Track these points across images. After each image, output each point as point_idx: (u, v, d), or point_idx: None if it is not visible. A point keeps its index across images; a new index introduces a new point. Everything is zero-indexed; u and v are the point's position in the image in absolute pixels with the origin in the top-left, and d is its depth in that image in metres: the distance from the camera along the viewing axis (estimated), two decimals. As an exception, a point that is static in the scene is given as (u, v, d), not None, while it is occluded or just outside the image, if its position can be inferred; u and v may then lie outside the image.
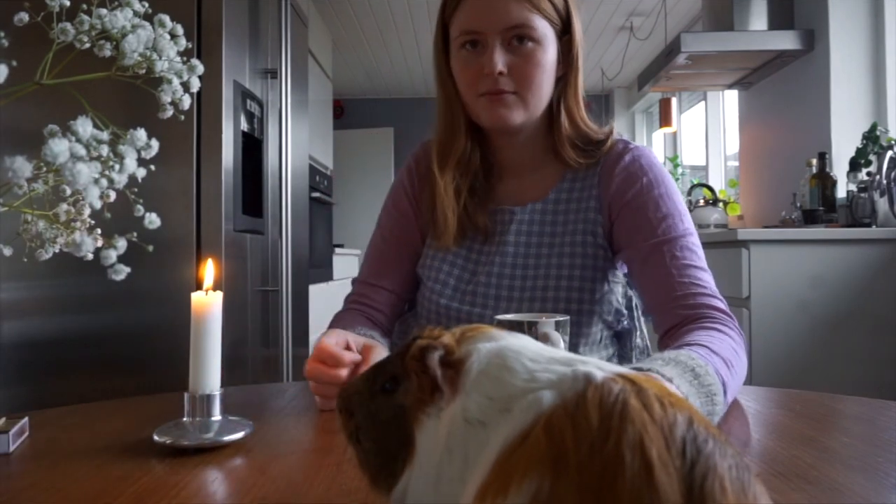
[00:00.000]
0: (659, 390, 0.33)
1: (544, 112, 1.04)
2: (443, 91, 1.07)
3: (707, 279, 0.94)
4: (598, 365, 0.36)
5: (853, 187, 2.57)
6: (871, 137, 2.56)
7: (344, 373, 0.77)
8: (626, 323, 1.08)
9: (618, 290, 1.07)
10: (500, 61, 0.96)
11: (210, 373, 0.66)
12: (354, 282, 1.15)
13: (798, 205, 2.82)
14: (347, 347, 0.83)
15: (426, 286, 1.08)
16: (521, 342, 0.41)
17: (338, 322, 1.06)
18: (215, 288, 0.67)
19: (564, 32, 1.02)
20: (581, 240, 1.03)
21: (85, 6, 0.65)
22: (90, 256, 0.67)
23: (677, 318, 0.90)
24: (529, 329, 0.74)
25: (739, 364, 0.81)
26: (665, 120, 4.87)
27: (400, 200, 1.15)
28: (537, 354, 0.39)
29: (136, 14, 0.67)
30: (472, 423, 0.37)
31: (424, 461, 0.39)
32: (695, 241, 0.97)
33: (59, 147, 0.59)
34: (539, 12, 0.97)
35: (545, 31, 0.98)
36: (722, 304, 0.91)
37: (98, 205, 0.65)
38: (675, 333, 0.88)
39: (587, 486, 0.29)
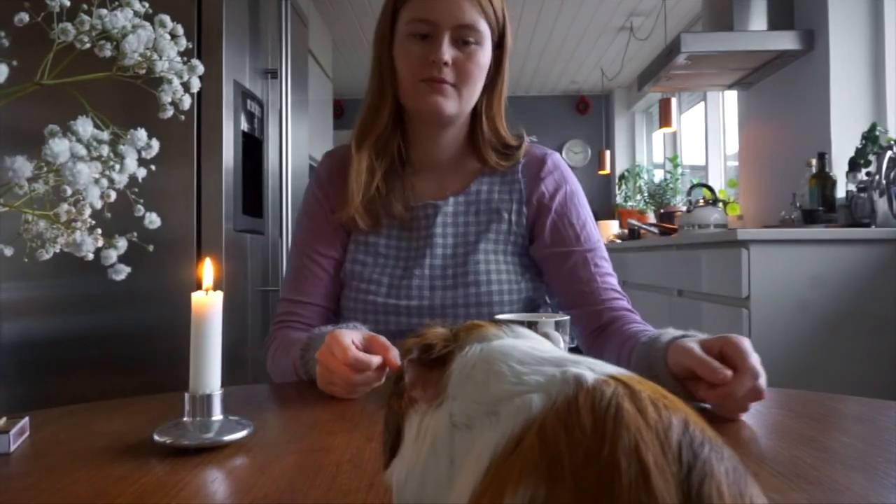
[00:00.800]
0: (652, 392, 0.33)
1: (468, 115, 1.13)
2: (378, 73, 1.12)
3: (616, 283, 1.13)
4: (589, 365, 0.36)
5: (853, 187, 2.57)
6: (871, 137, 2.56)
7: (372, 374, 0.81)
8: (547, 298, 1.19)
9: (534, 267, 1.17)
10: (447, 52, 1.04)
11: (210, 373, 0.66)
12: (279, 301, 1.16)
13: (798, 205, 2.82)
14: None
15: (357, 287, 1.11)
16: (513, 342, 0.41)
17: (275, 342, 1.09)
18: (215, 288, 0.67)
19: (498, 45, 1.11)
20: (506, 228, 1.13)
21: (85, 6, 0.65)
22: (90, 256, 0.67)
23: (604, 319, 1.08)
24: (529, 329, 0.75)
25: None
26: (665, 120, 4.87)
27: (313, 212, 1.17)
28: (526, 355, 0.38)
29: (136, 14, 0.67)
30: (458, 426, 0.37)
31: (406, 454, 0.41)
32: (603, 246, 1.15)
33: (60, 147, 0.59)
34: (485, 17, 1.06)
35: (487, 35, 1.08)
36: (628, 303, 1.11)
37: (98, 205, 0.65)
38: (608, 329, 1.07)
39: (583, 494, 0.29)
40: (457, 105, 1.08)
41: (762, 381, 0.70)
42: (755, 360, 0.71)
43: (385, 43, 1.10)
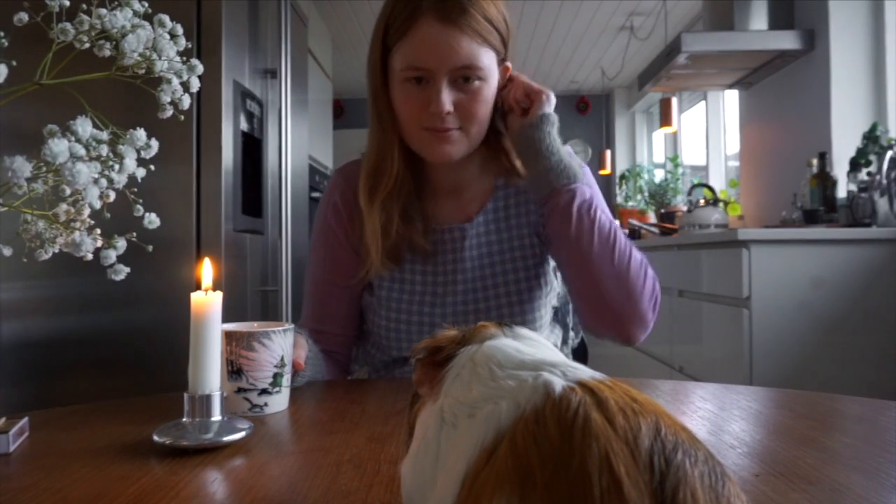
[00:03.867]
0: (621, 397, 0.33)
1: None
2: (377, 116, 1.03)
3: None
4: (563, 370, 0.36)
5: (853, 187, 2.57)
6: (872, 137, 2.56)
7: None
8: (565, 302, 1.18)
9: (556, 275, 1.14)
10: (447, 101, 0.95)
11: (210, 373, 0.66)
12: (302, 328, 1.10)
13: (798, 205, 2.82)
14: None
15: (387, 317, 1.07)
16: (502, 342, 0.42)
17: None
18: (215, 288, 0.67)
19: (505, 54, 1.02)
20: (529, 242, 1.08)
21: (85, 6, 0.65)
22: (90, 256, 0.67)
23: None
24: None
25: (634, 258, 0.99)
26: (665, 120, 4.87)
27: (327, 241, 1.11)
28: (507, 358, 0.39)
29: (135, 14, 0.67)
30: (447, 422, 0.39)
31: (413, 448, 0.43)
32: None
33: (59, 147, 0.59)
34: (487, 44, 0.96)
35: (491, 64, 0.98)
36: None
37: (98, 205, 0.65)
38: None
39: None
40: (465, 147, 1.01)
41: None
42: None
43: (379, 84, 1.01)
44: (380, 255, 1.03)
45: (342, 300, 1.11)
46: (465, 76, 0.96)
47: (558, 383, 0.34)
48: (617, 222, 1.01)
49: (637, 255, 0.99)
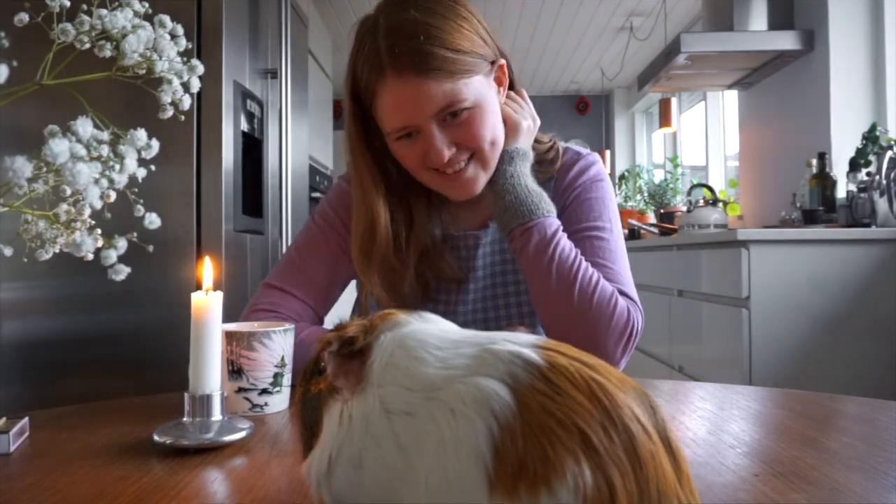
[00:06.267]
0: (580, 354, 0.37)
1: None
2: (359, 180, 0.97)
3: (619, 277, 0.97)
4: (505, 337, 0.38)
5: (853, 187, 2.57)
6: (871, 138, 2.56)
7: None
8: None
9: None
10: (443, 147, 0.90)
11: (210, 373, 0.66)
12: (261, 286, 1.05)
13: (798, 205, 2.82)
14: None
15: None
16: (424, 327, 0.42)
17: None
18: (215, 288, 0.67)
19: (495, 61, 0.96)
20: None
21: (85, 6, 0.65)
22: (90, 256, 0.67)
23: None
24: None
25: (580, 268, 0.92)
26: (665, 120, 4.87)
27: (321, 240, 1.05)
28: (441, 339, 0.40)
29: (136, 14, 0.67)
30: (396, 412, 0.38)
31: (328, 441, 0.42)
32: (613, 241, 0.99)
33: (60, 147, 0.59)
34: (465, 76, 0.89)
35: (478, 88, 0.91)
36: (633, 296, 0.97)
37: (98, 205, 0.65)
38: None
39: (619, 465, 0.32)
40: (485, 174, 0.96)
41: None
42: None
43: (356, 145, 0.97)
44: (405, 295, 0.98)
45: (323, 276, 1.04)
46: (452, 112, 0.90)
47: (530, 353, 0.36)
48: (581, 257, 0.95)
49: (606, 290, 0.92)
